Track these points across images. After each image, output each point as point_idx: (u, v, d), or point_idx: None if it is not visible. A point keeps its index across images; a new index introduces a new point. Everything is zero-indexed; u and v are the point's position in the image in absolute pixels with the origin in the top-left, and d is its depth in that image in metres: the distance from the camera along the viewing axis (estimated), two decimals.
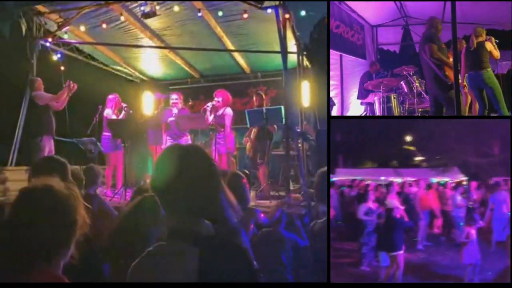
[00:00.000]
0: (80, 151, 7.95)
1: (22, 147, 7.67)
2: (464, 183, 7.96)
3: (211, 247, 1.35)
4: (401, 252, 4.65)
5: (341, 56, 7.78)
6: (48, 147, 6.86)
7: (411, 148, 9.24)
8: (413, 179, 7.65)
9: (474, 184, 7.14)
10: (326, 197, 3.72)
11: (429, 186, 7.00)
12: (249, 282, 1.38)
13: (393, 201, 5.06)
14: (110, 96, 7.94)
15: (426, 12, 6.93)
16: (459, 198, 6.59)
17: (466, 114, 6.09)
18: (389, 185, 6.66)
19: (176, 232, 1.40)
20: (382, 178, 8.34)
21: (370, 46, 8.43)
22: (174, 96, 7.89)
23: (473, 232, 4.77)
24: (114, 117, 7.75)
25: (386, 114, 6.98)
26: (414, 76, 7.05)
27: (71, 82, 7.01)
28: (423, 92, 6.91)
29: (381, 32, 8.60)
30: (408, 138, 8.94)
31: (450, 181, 7.73)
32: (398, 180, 7.87)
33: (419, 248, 6.25)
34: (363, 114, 8.00)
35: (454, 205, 6.54)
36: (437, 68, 5.20)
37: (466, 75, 5.80)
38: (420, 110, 6.88)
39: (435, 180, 7.62)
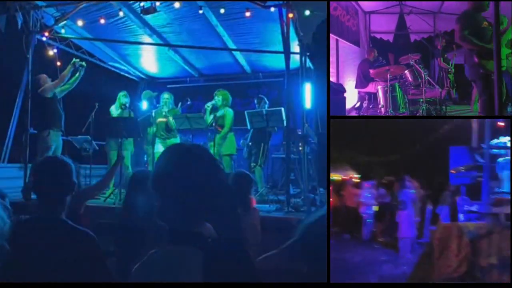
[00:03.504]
0: (75, 149, 7.80)
1: (15, 144, 7.49)
2: (357, 180, 7.94)
3: (215, 250, 1.31)
4: None
5: (337, 41, 7.34)
6: (56, 142, 6.72)
7: None
8: None
9: (374, 181, 7.28)
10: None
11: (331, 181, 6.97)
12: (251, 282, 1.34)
13: None
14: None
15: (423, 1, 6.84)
16: (366, 195, 6.88)
17: (475, 108, 5.87)
18: None
19: (178, 234, 1.35)
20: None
21: (363, 33, 8.06)
22: (166, 96, 7.78)
23: (405, 213, 5.79)
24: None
25: (390, 104, 6.51)
26: (420, 65, 6.69)
27: (78, 59, 7.02)
28: (431, 80, 6.63)
29: (374, 20, 8.22)
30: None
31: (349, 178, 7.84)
32: None
33: None
34: (357, 105, 7.55)
35: (361, 202, 6.86)
36: (469, 52, 4.63)
37: None
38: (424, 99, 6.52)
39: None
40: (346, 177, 7.94)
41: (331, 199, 6.65)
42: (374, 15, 8.09)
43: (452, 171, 5.73)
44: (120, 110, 7.63)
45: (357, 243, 6.45)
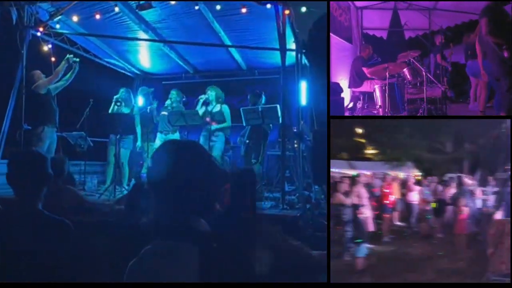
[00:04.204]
0: (69, 145, 7.77)
1: (9, 140, 7.43)
2: (419, 178, 8.06)
3: (211, 246, 1.31)
4: None
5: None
6: (50, 138, 6.75)
7: (362, 140, 8.99)
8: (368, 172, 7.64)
9: (435, 178, 7.38)
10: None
11: (393, 179, 7.25)
12: (250, 282, 1.34)
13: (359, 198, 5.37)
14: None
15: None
16: (426, 192, 7.01)
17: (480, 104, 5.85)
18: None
19: (173, 230, 1.34)
20: (336, 170, 7.91)
21: (355, 29, 7.84)
22: (173, 92, 7.86)
23: (463, 209, 5.70)
24: None
25: (388, 104, 6.21)
26: (420, 63, 6.53)
27: (72, 55, 7.07)
28: (432, 78, 6.50)
29: (366, 15, 7.95)
30: (359, 130, 8.62)
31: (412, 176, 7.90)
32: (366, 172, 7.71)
33: (385, 241, 6.37)
34: (350, 105, 7.37)
35: (421, 199, 6.98)
36: (497, 47, 4.46)
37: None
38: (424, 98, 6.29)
39: (390, 173, 7.70)
40: (408, 174, 8.04)
41: (394, 196, 6.95)
42: (367, 11, 7.88)
43: (506, 167, 5.79)
44: (116, 107, 7.64)
45: (416, 238, 6.61)
